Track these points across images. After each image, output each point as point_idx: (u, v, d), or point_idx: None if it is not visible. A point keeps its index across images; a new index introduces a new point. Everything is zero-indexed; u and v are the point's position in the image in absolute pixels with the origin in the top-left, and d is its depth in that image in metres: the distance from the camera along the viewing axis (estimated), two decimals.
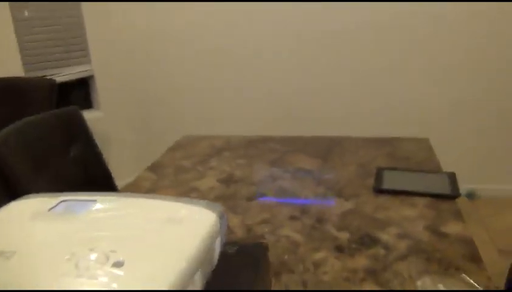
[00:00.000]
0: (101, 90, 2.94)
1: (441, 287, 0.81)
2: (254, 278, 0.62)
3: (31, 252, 0.51)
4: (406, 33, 2.59)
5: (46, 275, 0.47)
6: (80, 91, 2.97)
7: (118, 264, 0.48)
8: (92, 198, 0.64)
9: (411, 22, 2.57)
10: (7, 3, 2.55)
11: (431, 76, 2.66)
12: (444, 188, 1.21)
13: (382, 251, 0.94)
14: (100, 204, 0.62)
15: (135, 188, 1.37)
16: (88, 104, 2.99)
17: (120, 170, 2.74)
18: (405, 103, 2.71)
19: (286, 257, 0.95)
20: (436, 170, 1.37)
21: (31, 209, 0.62)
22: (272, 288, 0.84)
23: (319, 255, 0.95)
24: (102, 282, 0.45)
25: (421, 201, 1.15)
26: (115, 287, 0.45)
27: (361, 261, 0.92)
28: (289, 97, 2.80)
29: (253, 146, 1.64)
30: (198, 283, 0.52)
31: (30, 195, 0.68)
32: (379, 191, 1.22)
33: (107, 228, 0.55)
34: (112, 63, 2.92)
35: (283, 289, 0.85)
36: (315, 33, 2.66)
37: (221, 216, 0.59)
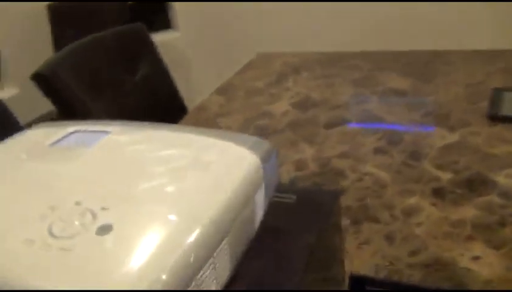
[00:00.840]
0: (179, 9, 2.80)
1: None
2: (316, 243, 0.45)
3: (4, 202, 0.38)
4: None
5: (7, 240, 0.34)
6: (156, 11, 2.85)
7: (103, 230, 0.33)
8: (107, 128, 0.49)
9: None
10: None
11: None
12: None
13: (498, 199, 0.72)
14: (112, 138, 0.47)
15: (202, 112, 1.23)
16: (166, 24, 2.87)
17: (197, 91, 2.65)
18: None
19: (368, 200, 0.76)
20: None
21: (29, 143, 0.49)
22: (347, 242, 0.67)
23: (412, 201, 0.74)
24: (75, 257, 0.31)
25: None
26: (94, 269, 0.30)
27: (468, 211, 0.70)
28: (373, 6, 2.43)
29: (334, 64, 1.40)
30: (225, 255, 0.36)
31: (41, 124, 0.55)
32: (495, 118, 0.95)
33: (107, 173, 0.40)
34: None
35: (363, 242, 0.67)
36: None
37: (266, 159, 0.41)
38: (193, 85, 2.80)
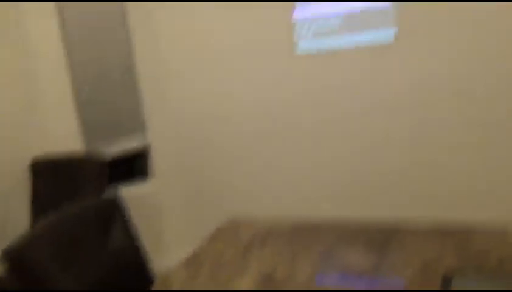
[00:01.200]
0: (157, 161, 2.93)
1: None
2: None
3: None
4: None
5: None
6: (135, 162, 2.99)
7: None
8: None
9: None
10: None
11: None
12: None
13: None
14: None
15: (168, 285, 1.24)
16: (143, 174, 2.99)
17: (172, 241, 2.66)
18: (478, 179, 2.39)
19: None
20: None
21: None
22: None
23: None
24: None
25: None
26: None
27: None
28: (342, 175, 2.59)
29: (300, 235, 1.46)
30: None
31: None
32: None
33: None
34: (168, 136, 2.92)
35: None
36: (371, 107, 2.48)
37: None
38: (165, 237, 2.81)
